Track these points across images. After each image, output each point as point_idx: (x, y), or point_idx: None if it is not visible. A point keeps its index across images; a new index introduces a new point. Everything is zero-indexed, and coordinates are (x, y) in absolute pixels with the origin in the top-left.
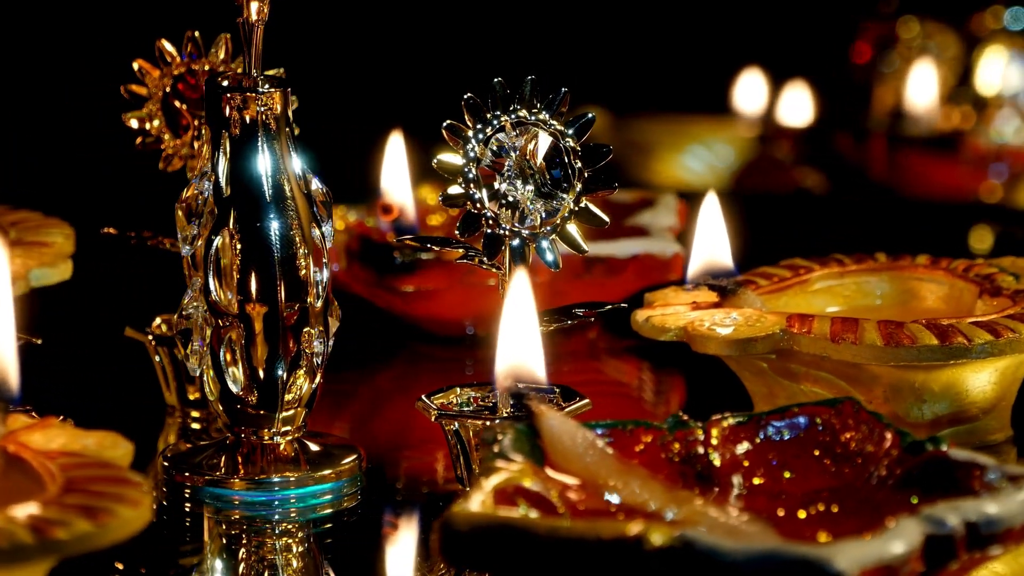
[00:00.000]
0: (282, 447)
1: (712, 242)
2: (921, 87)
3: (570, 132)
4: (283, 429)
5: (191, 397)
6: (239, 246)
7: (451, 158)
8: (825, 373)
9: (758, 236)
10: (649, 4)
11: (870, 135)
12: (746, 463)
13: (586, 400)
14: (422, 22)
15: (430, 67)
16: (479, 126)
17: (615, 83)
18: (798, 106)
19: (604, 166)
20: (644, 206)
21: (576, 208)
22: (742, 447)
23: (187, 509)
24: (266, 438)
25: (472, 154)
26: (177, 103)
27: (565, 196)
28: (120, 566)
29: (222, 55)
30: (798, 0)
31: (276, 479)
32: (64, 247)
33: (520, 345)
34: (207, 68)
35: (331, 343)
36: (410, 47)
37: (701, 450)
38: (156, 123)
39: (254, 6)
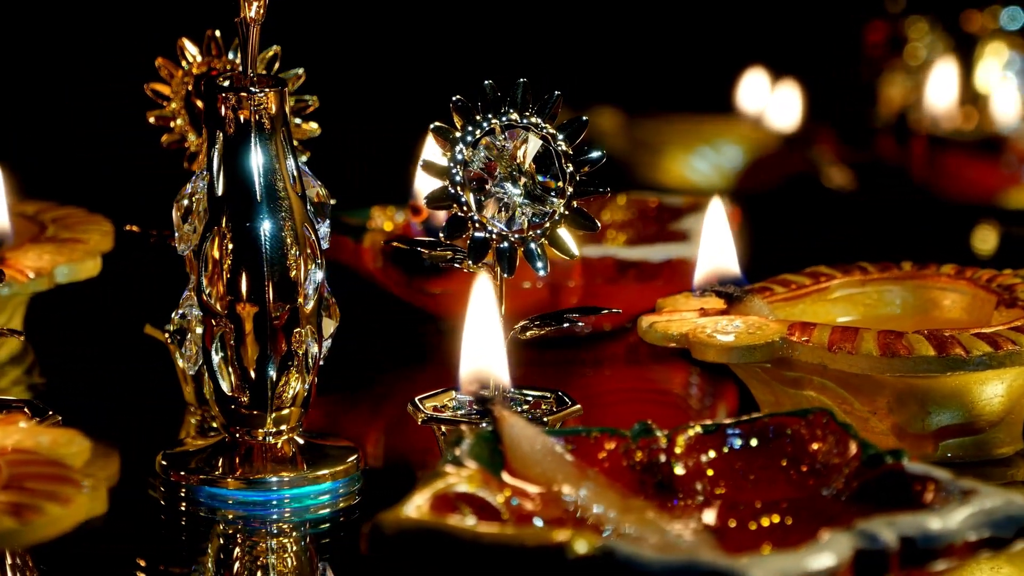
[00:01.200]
0: (279, 447)
1: (718, 248)
2: (941, 87)
3: (562, 136)
4: (276, 429)
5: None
6: (230, 246)
7: (438, 160)
8: (829, 382)
9: (786, 239)
10: (662, 3)
11: (911, 135)
12: (709, 473)
13: (577, 406)
14: (456, 24)
15: (460, 67)
16: (470, 128)
17: (629, 82)
18: (788, 106)
19: (597, 170)
20: (692, 210)
21: (566, 212)
22: (706, 456)
23: (182, 509)
24: (259, 438)
25: (460, 156)
26: (199, 102)
27: (555, 200)
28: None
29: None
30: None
31: (272, 479)
32: (100, 244)
33: (484, 349)
34: (228, 67)
35: (328, 343)
36: (446, 47)
37: (663, 459)
38: (179, 122)
39: (252, 6)
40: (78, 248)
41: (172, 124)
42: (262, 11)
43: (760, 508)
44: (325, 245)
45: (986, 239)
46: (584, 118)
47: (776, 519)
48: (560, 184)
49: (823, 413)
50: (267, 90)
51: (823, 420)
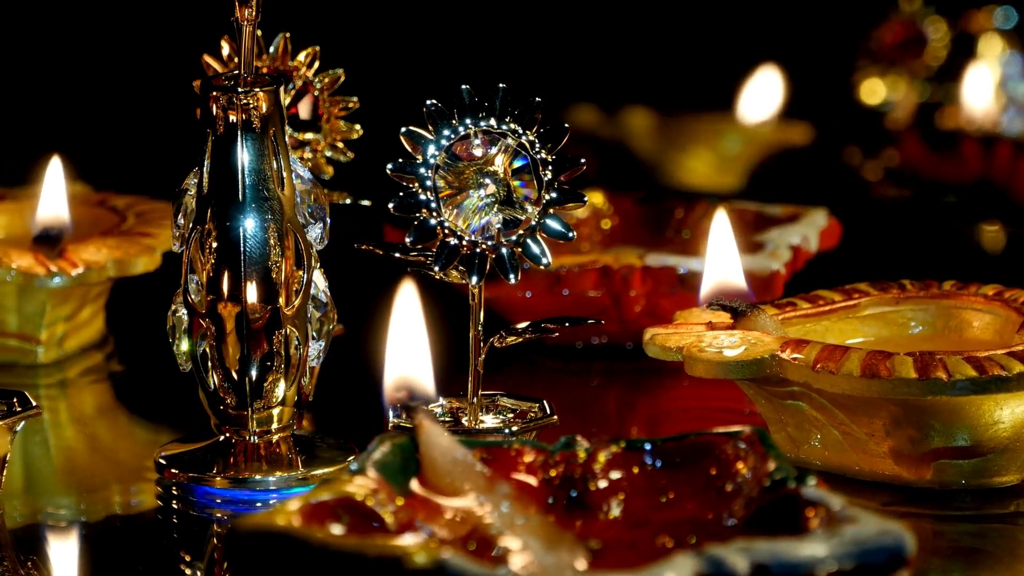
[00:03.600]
0: (276, 446)
1: (724, 261)
2: (977, 87)
3: (541, 143)
4: (260, 429)
5: None
6: (214, 244)
7: (408, 164)
8: (826, 402)
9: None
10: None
11: (961, 138)
12: (624, 490)
13: (553, 418)
14: (483, 25)
15: (485, 68)
16: (446, 132)
17: (662, 81)
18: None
19: (576, 178)
20: (790, 221)
21: (542, 220)
22: (625, 473)
23: (174, 507)
24: (247, 438)
25: (432, 161)
26: None
27: (530, 208)
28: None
29: (279, 52)
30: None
31: (259, 478)
32: (169, 241)
33: (409, 356)
34: (268, 65)
35: (322, 345)
36: (472, 48)
37: (579, 474)
38: None
39: (245, 7)
40: (141, 243)
41: None
42: (253, 12)
43: (663, 528)
44: (319, 246)
45: None
46: (565, 124)
47: (670, 542)
48: (536, 192)
49: (754, 432)
50: (257, 90)
51: (751, 439)
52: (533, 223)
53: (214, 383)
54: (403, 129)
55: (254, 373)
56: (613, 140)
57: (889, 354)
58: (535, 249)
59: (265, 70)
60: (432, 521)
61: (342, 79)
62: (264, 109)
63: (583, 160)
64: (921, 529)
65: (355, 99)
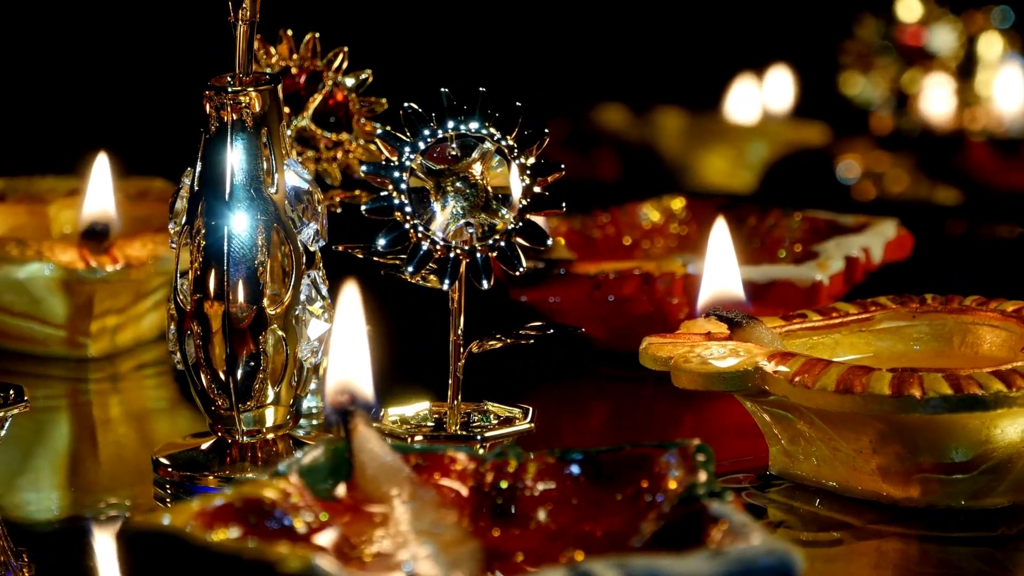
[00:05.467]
0: (274, 445)
1: (722, 270)
2: (1010, 88)
3: (520, 148)
4: (251, 429)
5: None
6: (202, 243)
7: (381, 167)
8: (813, 416)
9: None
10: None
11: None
12: (551, 500)
13: (530, 425)
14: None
15: (508, 68)
16: (426, 133)
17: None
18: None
19: (554, 184)
20: (860, 229)
21: (517, 225)
22: (554, 484)
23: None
24: (237, 438)
25: (408, 163)
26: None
27: (507, 213)
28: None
29: (308, 53)
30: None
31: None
32: None
33: (350, 360)
34: (302, 65)
35: (315, 345)
36: (497, 47)
37: (506, 484)
38: None
39: (241, 7)
40: None
41: None
42: (247, 13)
43: (578, 541)
44: (314, 247)
45: None
46: (545, 130)
47: (580, 555)
48: (514, 197)
49: (689, 447)
50: (250, 89)
51: (687, 454)
52: (509, 228)
53: (203, 383)
54: (379, 131)
55: (240, 373)
56: (641, 140)
57: (869, 370)
58: (509, 255)
59: (295, 70)
60: (348, 526)
61: (370, 80)
62: (257, 108)
63: (563, 165)
64: (908, 549)
65: (383, 100)
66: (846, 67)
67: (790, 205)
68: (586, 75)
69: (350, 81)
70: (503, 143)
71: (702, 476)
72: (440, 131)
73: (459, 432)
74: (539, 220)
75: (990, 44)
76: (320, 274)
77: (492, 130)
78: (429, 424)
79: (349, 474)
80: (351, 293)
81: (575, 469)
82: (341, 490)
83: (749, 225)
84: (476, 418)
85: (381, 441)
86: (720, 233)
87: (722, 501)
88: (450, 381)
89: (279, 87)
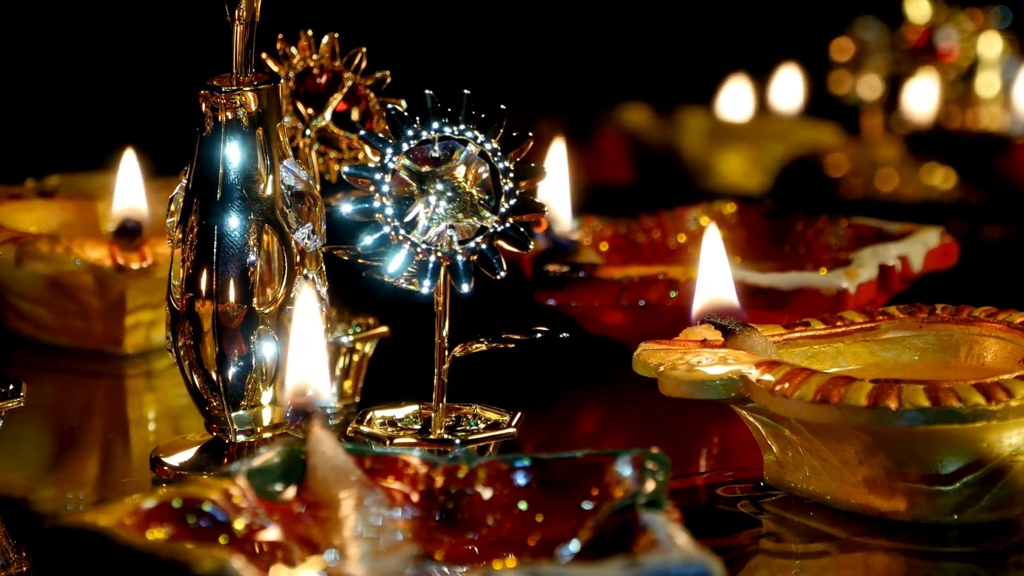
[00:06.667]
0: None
1: (715, 278)
2: None
3: (503, 151)
4: (244, 429)
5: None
6: (194, 242)
7: (364, 167)
8: (800, 426)
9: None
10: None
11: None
12: (498, 506)
13: (512, 430)
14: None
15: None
16: (410, 134)
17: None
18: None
19: (537, 187)
20: (904, 237)
21: (500, 229)
22: (505, 489)
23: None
24: (230, 437)
25: (390, 165)
26: (299, 104)
27: (488, 215)
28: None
29: (327, 53)
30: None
31: None
32: None
33: (308, 361)
34: (322, 67)
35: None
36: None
37: (455, 489)
38: (287, 120)
39: (238, 7)
40: None
41: None
42: (242, 13)
43: (516, 547)
44: (311, 247)
45: None
46: (529, 133)
47: (512, 562)
48: (496, 200)
49: (640, 456)
50: (245, 89)
51: (638, 462)
52: (491, 231)
53: (193, 383)
54: (360, 132)
55: (230, 373)
56: (663, 141)
57: (851, 380)
58: (489, 257)
59: (316, 71)
60: (290, 528)
61: (388, 80)
62: (253, 108)
63: (545, 169)
64: (894, 564)
65: (403, 101)
66: (845, 67)
67: (838, 212)
68: (607, 75)
69: (369, 82)
70: (487, 146)
71: (649, 485)
72: (424, 133)
73: (443, 435)
74: (562, 228)
75: (990, 44)
76: (320, 275)
77: (476, 133)
78: (415, 426)
79: (303, 476)
80: (308, 295)
81: (523, 476)
82: (290, 492)
83: (796, 231)
84: (463, 421)
85: (335, 443)
86: (713, 239)
87: (657, 511)
88: (435, 383)
89: (279, 87)
